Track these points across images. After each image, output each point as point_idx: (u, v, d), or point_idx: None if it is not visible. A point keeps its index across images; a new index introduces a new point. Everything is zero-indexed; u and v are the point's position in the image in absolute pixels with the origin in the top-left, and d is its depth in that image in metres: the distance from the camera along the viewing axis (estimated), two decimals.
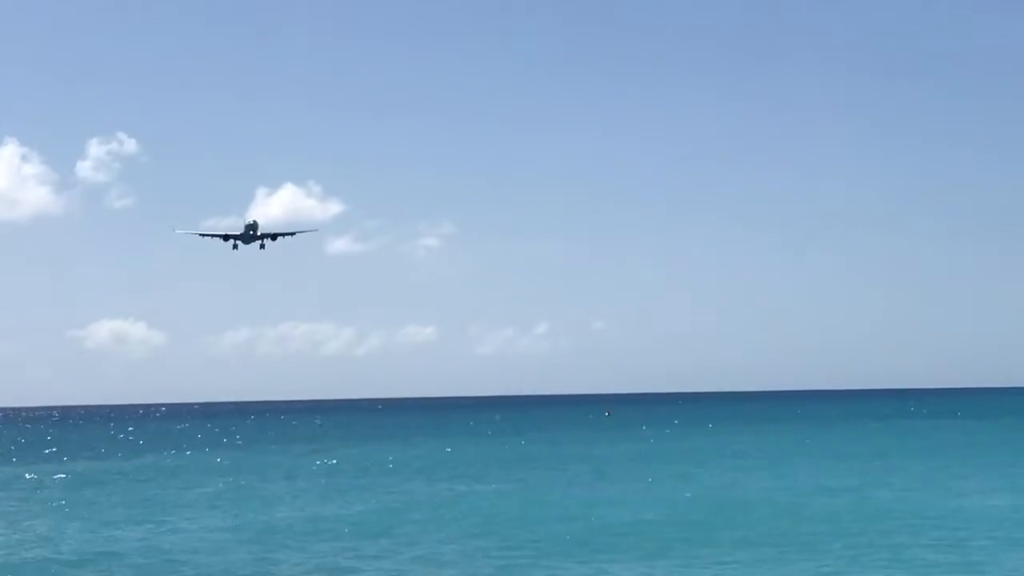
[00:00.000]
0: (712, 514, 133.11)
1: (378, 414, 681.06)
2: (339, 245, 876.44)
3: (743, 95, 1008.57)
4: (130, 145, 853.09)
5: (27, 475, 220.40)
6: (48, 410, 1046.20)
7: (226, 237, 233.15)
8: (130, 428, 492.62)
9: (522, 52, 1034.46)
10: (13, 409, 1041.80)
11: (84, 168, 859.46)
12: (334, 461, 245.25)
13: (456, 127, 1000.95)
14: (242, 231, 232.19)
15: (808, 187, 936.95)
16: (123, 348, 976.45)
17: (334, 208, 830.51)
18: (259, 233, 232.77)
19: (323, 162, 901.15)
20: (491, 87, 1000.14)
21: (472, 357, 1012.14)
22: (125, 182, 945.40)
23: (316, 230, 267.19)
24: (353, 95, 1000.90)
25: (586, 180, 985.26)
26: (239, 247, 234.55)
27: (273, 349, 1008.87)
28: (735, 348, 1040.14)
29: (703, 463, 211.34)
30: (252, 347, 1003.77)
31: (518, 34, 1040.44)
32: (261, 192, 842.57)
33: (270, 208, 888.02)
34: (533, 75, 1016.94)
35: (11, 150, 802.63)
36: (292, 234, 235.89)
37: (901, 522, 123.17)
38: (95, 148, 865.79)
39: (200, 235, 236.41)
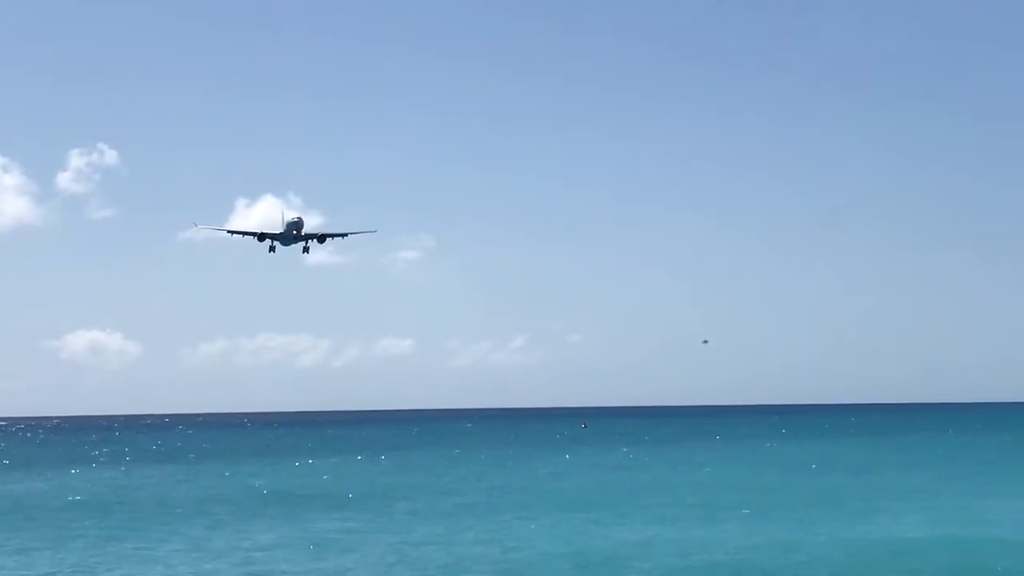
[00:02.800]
0: None
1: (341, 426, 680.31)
2: (318, 257, 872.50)
3: (728, 102, 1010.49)
4: (111, 156, 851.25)
5: None
6: (16, 421, 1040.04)
7: (261, 236, 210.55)
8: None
9: (502, 69, 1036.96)
10: None
11: (64, 179, 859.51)
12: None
13: (438, 141, 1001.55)
14: (283, 230, 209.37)
15: (794, 200, 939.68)
16: (99, 359, 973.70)
17: (314, 220, 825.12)
18: (303, 233, 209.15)
19: (304, 173, 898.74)
20: (472, 102, 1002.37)
21: (449, 370, 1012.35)
22: (105, 193, 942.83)
23: (375, 231, 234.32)
24: (335, 107, 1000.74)
25: (565, 195, 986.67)
26: (276, 249, 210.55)
27: (249, 360, 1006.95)
28: (713, 362, 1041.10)
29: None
30: (228, 358, 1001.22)
31: (497, 52, 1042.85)
32: (241, 203, 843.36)
33: (249, 220, 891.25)
34: (513, 90, 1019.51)
35: None
36: (344, 235, 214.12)
37: None
38: (75, 159, 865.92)
39: (228, 232, 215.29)
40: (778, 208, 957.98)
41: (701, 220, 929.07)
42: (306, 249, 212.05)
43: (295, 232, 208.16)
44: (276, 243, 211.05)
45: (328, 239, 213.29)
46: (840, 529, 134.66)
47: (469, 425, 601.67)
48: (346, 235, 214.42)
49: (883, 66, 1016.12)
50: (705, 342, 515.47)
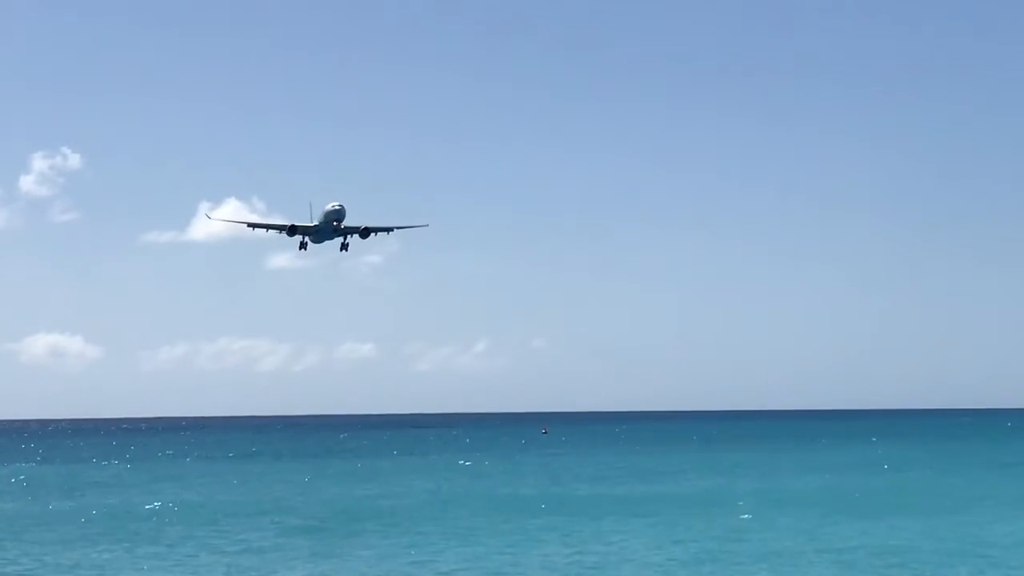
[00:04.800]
0: None
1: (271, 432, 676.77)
2: (280, 261, 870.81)
3: (705, 102, 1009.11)
4: (74, 159, 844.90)
5: None
6: None
7: (292, 230, 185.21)
8: None
9: (468, 75, 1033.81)
10: None
11: (27, 182, 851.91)
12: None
13: (400, 145, 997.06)
14: (318, 222, 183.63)
15: (761, 205, 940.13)
16: (59, 362, 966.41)
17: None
18: (343, 227, 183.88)
19: (268, 177, 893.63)
20: (435, 106, 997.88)
21: (411, 374, 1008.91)
22: (68, 196, 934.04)
23: (427, 225, 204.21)
24: (300, 112, 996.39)
25: (527, 199, 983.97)
26: (308, 246, 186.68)
27: (210, 364, 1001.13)
28: (677, 367, 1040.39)
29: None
30: (189, 362, 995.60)
31: (465, 59, 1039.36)
32: (204, 207, 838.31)
33: (212, 223, 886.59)
34: (477, 95, 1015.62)
35: None
36: (391, 229, 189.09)
37: None
38: (39, 162, 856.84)
39: (249, 225, 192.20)
40: (748, 214, 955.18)
41: (669, 226, 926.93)
42: (344, 246, 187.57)
43: (335, 224, 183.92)
44: (307, 239, 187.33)
45: (372, 233, 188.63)
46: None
47: (416, 429, 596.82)
48: (392, 229, 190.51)
49: (884, 63, 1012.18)
50: (544, 432, 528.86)
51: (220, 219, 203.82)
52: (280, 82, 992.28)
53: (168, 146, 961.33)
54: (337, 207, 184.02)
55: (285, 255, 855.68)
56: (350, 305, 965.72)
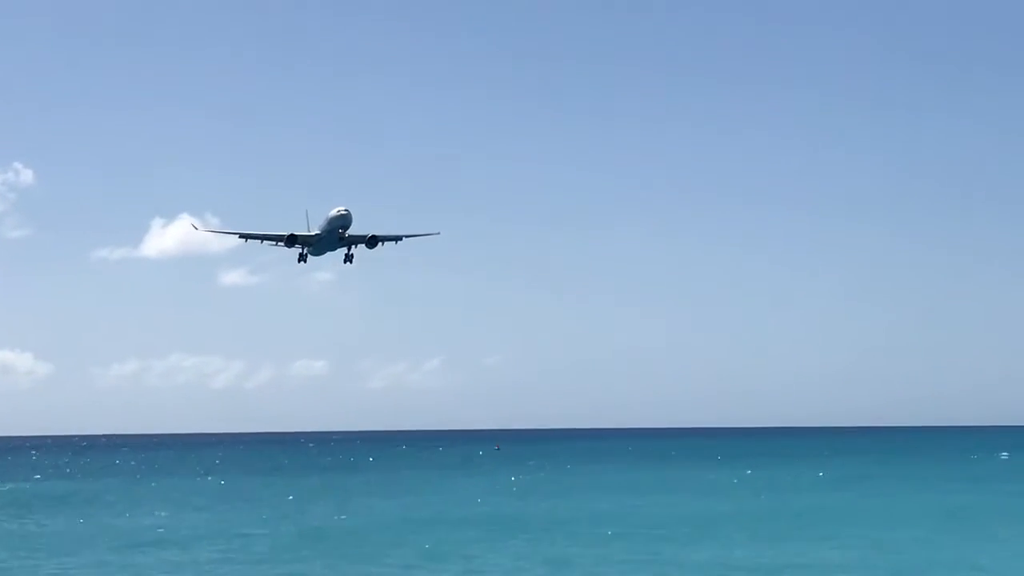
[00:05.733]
0: None
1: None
2: (233, 277, 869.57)
3: (663, 118, 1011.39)
4: (26, 175, 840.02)
5: None
6: None
7: (291, 240, 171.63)
8: None
9: (423, 86, 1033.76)
10: None
11: None
12: None
13: (354, 160, 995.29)
14: (320, 231, 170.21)
15: (726, 216, 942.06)
16: (9, 379, 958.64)
17: (231, 241, 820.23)
18: (348, 236, 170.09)
19: (221, 193, 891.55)
20: (390, 118, 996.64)
21: (363, 391, 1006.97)
22: (20, 212, 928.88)
23: (438, 233, 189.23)
24: (254, 126, 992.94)
25: (481, 215, 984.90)
26: (308, 258, 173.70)
27: (161, 381, 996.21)
28: (631, 384, 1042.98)
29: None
30: (140, 379, 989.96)
31: (422, 72, 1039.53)
32: (157, 222, 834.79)
33: (165, 240, 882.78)
34: (434, 106, 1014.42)
35: None
36: (399, 238, 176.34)
37: None
38: None
39: (241, 236, 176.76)
40: (710, 227, 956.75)
41: (625, 242, 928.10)
42: (349, 258, 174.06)
43: (340, 231, 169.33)
44: (308, 250, 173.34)
45: (380, 243, 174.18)
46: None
47: (366, 452, 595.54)
48: (400, 238, 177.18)
49: (886, 73, 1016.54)
50: (497, 448, 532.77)
51: (210, 230, 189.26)
52: (239, 98, 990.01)
53: (120, 162, 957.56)
54: (343, 212, 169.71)
55: (238, 271, 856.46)
56: (303, 322, 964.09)
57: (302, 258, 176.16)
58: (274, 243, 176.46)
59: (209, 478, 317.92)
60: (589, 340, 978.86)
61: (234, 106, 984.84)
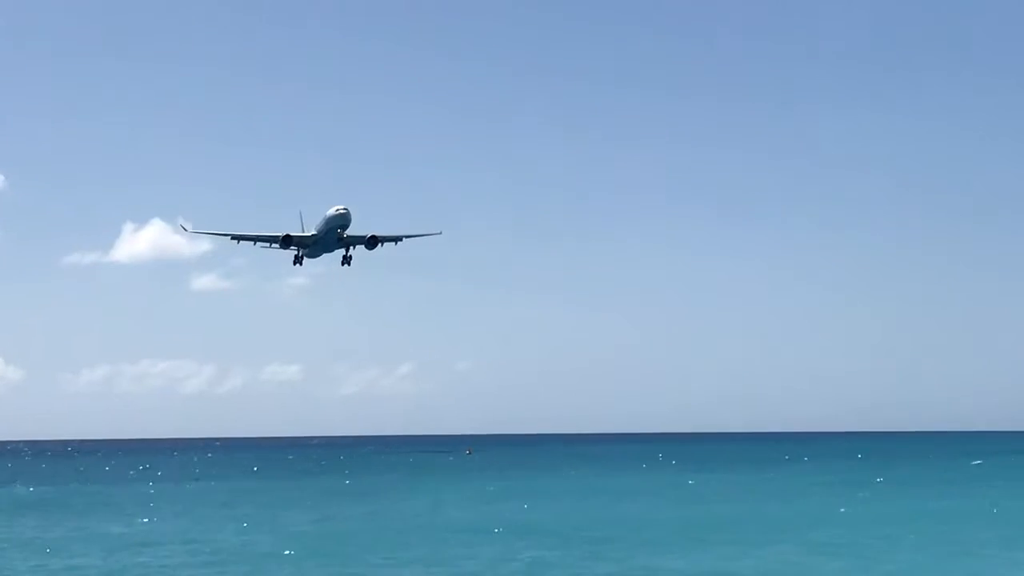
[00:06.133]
0: None
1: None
2: (204, 282, 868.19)
3: (630, 128, 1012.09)
4: None
5: None
6: None
7: (286, 241, 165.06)
8: None
9: (395, 93, 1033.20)
10: None
11: None
12: None
13: (324, 165, 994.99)
14: (317, 232, 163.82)
15: (691, 226, 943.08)
16: None
17: (202, 246, 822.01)
18: (347, 236, 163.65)
19: (194, 198, 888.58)
20: (360, 124, 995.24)
21: (336, 397, 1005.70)
22: None
23: (439, 233, 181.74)
24: (225, 130, 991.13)
25: (452, 221, 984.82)
26: (304, 261, 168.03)
27: (132, 386, 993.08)
28: (603, 389, 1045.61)
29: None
30: (111, 384, 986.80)
31: (396, 80, 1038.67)
32: (128, 227, 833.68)
33: (136, 245, 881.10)
34: (404, 115, 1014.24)
35: None
36: (399, 239, 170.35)
37: None
38: None
39: (232, 238, 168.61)
40: (680, 233, 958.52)
41: (598, 246, 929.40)
42: (347, 260, 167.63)
43: (339, 231, 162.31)
44: (304, 251, 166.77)
45: (380, 244, 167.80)
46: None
47: (342, 458, 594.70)
48: (401, 238, 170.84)
49: (876, 82, 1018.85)
50: (469, 452, 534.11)
51: (200, 232, 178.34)
52: (210, 102, 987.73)
53: (92, 167, 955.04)
54: (342, 211, 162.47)
55: (209, 276, 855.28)
56: (275, 327, 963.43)
57: (297, 260, 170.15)
58: (268, 245, 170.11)
59: (184, 484, 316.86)
60: (561, 346, 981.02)
61: (206, 111, 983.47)
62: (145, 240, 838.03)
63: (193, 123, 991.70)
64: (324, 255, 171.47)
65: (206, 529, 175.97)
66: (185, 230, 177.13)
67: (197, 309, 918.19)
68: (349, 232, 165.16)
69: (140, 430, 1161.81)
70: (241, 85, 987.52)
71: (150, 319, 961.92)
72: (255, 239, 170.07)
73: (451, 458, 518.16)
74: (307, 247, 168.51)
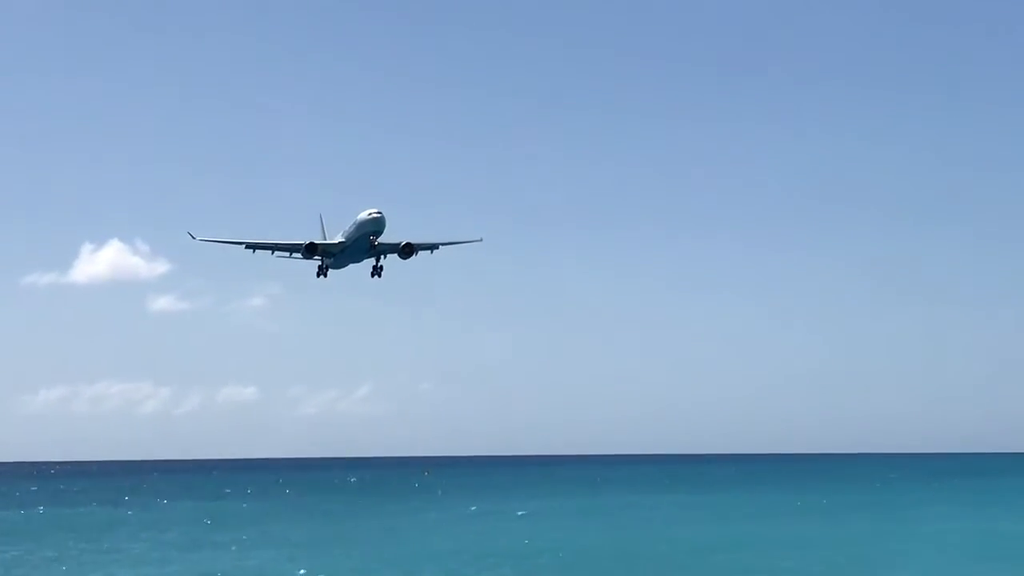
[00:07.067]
0: None
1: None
2: (162, 303, 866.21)
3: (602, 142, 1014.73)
4: None
5: None
6: None
7: (310, 249, 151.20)
8: None
9: (355, 112, 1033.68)
10: None
11: None
12: None
13: (287, 185, 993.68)
14: (344, 239, 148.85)
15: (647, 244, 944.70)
16: None
17: (161, 267, 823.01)
18: (377, 244, 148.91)
19: (153, 219, 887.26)
20: (319, 144, 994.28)
21: (293, 418, 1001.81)
22: None
23: (480, 240, 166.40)
24: (184, 152, 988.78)
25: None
26: (327, 273, 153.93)
27: (89, 408, 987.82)
28: (563, 410, 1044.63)
29: None
30: (67, 405, 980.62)
31: (356, 100, 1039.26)
32: (87, 248, 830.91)
33: (94, 265, 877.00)
34: (363, 136, 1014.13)
35: None
36: (435, 247, 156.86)
37: None
38: None
39: (248, 246, 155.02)
40: (634, 254, 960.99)
41: (557, 266, 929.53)
42: (377, 271, 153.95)
43: (371, 238, 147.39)
44: (329, 261, 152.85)
45: (415, 253, 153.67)
46: None
47: (280, 480, 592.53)
48: (437, 246, 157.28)
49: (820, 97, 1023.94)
50: (427, 474, 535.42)
51: (209, 240, 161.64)
52: (169, 122, 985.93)
53: (50, 187, 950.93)
54: (376, 215, 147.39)
55: (168, 297, 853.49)
56: (233, 348, 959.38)
57: (322, 272, 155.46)
58: (288, 255, 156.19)
59: (136, 506, 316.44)
60: (521, 367, 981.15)
61: (166, 131, 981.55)
62: (103, 261, 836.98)
63: (154, 143, 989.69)
64: (351, 265, 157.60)
65: (155, 554, 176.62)
66: (193, 237, 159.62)
67: (155, 330, 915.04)
68: (381, 240, 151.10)
69: (97, 452, 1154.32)
70: (199, 107, 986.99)
71: (108, 340, 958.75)
72: (273, 248, 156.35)
73: (413, 483, 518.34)
74: (333, 256, 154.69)
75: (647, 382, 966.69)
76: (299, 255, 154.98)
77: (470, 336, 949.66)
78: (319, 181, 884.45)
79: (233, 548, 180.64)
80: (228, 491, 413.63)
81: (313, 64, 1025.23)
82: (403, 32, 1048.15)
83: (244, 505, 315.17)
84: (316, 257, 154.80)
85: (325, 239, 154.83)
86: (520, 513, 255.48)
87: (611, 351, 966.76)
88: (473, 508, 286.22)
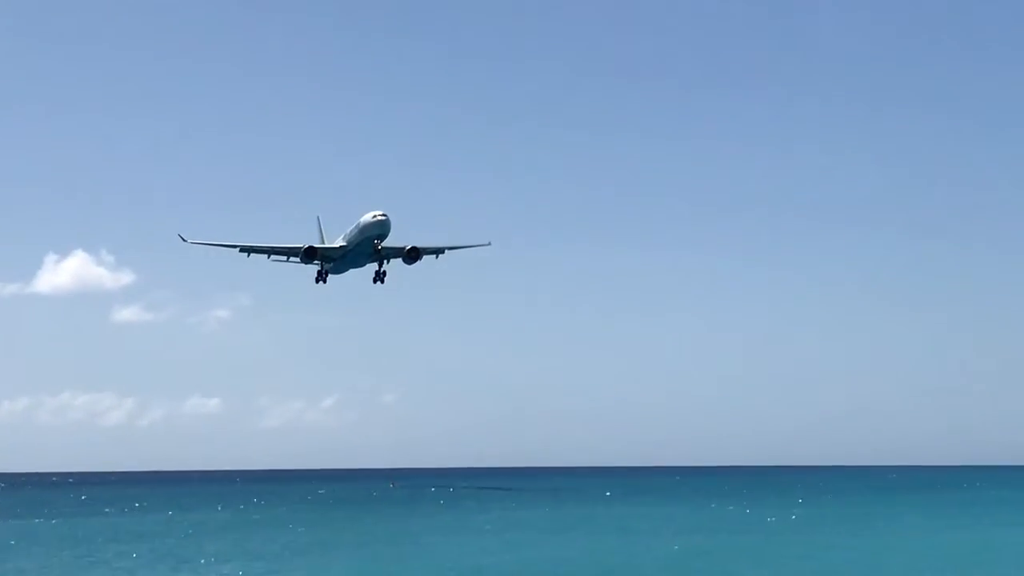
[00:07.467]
0: None
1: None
2: (127, 314, 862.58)
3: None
4: None
5: None
6: None
7: (309, 253, 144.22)
8: None
9: (311, 130, 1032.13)
10: None
11: None
12: None
13: (253, 198, 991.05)
14: (346, 243, 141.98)
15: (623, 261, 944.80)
16: None
17: (125, 278, 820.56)
18: (381, 248, 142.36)
19: (117, 230, 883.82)
20: (282, 158, 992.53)
21: (258, 430, 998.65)
22: None
23: (488, 244, 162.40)
24: (144, 160, 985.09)
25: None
26: (327, 278, 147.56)
27: (52, 419, 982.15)
28: (528, 423, 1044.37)
29: None
30: (30, 416, 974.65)
31: (316, 118, 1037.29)
32: (50, 259, 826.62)
33: (58, 276, 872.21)
34: (324, 151, 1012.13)
35: None
36: (442, 251, 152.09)
37: None
38: None
39: (242, 249, 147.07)
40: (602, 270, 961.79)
41: (519, 285, 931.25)
42: (380, 276, 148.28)
43: (376, 243, 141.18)
44: (329, 266, 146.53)
45: (420, 257, 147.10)
46: None
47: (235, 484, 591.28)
48: (443, 250, 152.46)
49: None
50: (392, 486, 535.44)
51: (200, 242, 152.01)
52: (134, 133, 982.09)
53: (13, 197, 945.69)
54: (381, 217, 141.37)
55: (132, 308, 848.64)
56: (197, 359, 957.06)
57: (321, 277, 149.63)
58: (284, 259, 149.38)
59: (98, 517, 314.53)
60: (487, 377, 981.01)
61: (128, 141, 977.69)
62: (67, 272, 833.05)
63: (119, 153, 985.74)
64: (352, 271, 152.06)
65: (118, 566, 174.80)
66: (183, 240, 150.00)
67: (119, 341, 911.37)
68: (385, 244, 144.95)
69: (60, 463, 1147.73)
70: (165, 118, 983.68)
71: (72, 351, 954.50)
72: (269, 251, 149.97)
73: (374, 494, 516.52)
74: (333, 261, 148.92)
75: (610, 392, 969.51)
76: (297, 259, 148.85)
77: (436, 346, 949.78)
78: (320, 180, 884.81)
79: (202, 561, 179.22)
80: (195, 503, 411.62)
81: (314, 62, 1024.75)
82: (407, 32, 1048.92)
83: (216, 516, 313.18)
84: (315, 262, 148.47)
85: (324, 242, 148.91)
86: (489, 527, 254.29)
87: (562, 364, 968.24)
88: (443, 520, 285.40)
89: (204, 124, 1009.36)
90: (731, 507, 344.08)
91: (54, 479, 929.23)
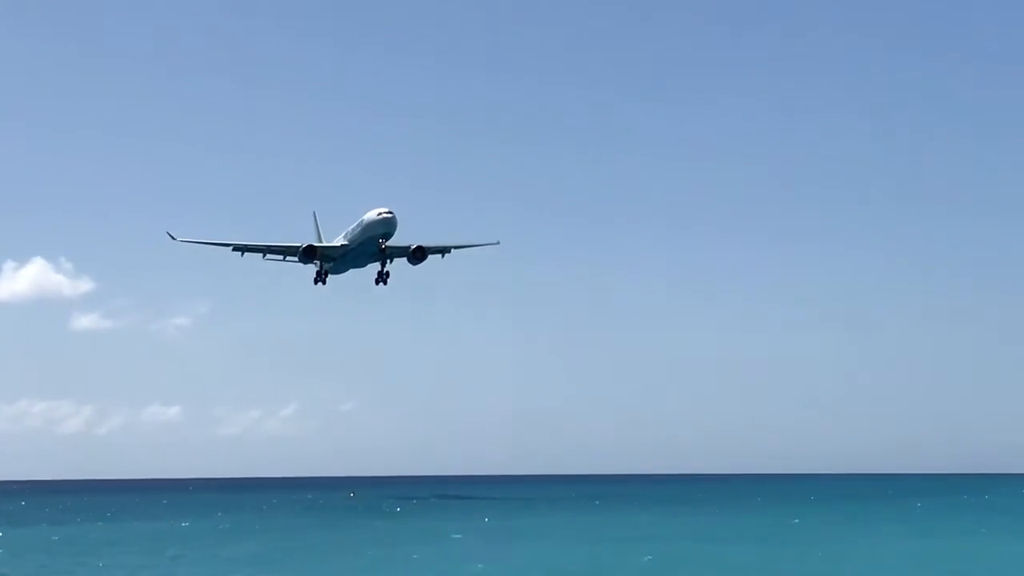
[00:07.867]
0: None
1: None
2: (86, 322, 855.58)
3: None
4: None
5: None
6: None
7: (308, 253, 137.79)
8: None
9: (273, 136, 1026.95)
10: None
11: None
12: None
13: (212, 207, 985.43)
14: (348, 242, 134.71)
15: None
16: None
17: (84, 286, 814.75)
18: (385, 247, 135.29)
19: (76, 237, 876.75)
20: (243, 165, 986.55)
21: (216, 438, 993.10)
22: None
23: (497, 243, 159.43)
24: (104, 167, 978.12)
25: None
26: (326, 279, 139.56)
27: (8, 427, 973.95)
28: (489, 431, 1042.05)
29: None
30: None
31: (272, 125, 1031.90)
32: (8, 266, 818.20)
33: (16, 283, 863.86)
34: (281, 158, 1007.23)
35: None
36: (446, 250, 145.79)
37: None
38: None
39: (235, 249, 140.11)
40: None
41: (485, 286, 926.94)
42: (383, 277, 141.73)
43: (380, 241, 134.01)
44: (329, 266, 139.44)
45: (425, 257, 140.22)
46: None
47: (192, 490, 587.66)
48: (449, 249, 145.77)
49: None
50: (352, 495, 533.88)
51: (191, 240, 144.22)
52: (93, 140, 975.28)
53: None
54: (387, 215, 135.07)
55: (91, 316, 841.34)
56: (157, 367, 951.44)
57: (320, 278, 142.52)
58: (282, 258, 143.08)
59: (58, 526, 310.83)
60: (445, 386, 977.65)
61: (91, 145, 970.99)
62: (25, 279, 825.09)
63: (81, 161, 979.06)
64: (352, 271, 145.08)
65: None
66: (172, 238, 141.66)
67: (78, 349, 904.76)
68: (390, 243, 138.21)
69: (17, 471, 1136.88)
70: (124, 122, 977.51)
71: (30, 359, 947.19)
72: (265, 250, 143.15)
73: (333, 502, 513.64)
74: (333, 260, 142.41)
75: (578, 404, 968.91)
76: (295, 259, 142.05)
77: (398, 354, 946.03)
78: (317, 181, 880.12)
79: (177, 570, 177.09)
80: (161, 511, 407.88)
81: (316, 58, 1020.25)
82: (407, 31, 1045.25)
83: (184, 525, 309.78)
84: (314, 261, 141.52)
85: (321, 240, 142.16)
86: (456, 536, 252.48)
87: (537, 373, 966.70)
88: (404, 529, 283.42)
89: (177, 128, 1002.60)
90: (701, 516, 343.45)
91: (11, 487, 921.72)
